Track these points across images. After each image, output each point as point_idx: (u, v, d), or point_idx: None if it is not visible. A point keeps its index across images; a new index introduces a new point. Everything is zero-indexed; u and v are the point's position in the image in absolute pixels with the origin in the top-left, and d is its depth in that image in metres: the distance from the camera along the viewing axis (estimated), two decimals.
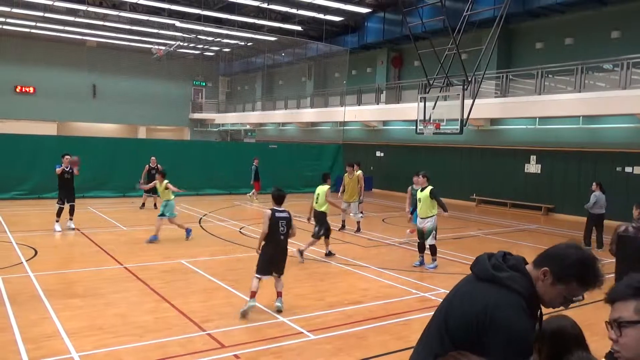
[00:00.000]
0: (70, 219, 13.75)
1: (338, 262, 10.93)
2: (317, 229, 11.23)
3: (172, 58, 37.91)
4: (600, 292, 2.10)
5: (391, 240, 13.69)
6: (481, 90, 19.39)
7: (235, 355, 5.86)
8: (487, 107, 20.28)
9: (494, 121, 22.31)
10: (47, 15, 28.78)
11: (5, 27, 32.74)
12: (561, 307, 2.38)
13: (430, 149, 24.13)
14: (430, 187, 10.69)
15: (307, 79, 35.42)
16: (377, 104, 27.09)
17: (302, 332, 6.67)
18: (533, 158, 20.73)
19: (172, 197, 12.85)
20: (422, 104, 19.37)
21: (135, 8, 27.61)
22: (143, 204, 18.23)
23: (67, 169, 13.62)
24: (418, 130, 19.60)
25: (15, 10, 27.92)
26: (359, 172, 15.14)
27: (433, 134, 19.08)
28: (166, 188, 12.68)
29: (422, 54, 19.55)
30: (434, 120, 19.01)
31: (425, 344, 2.53)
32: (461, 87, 18.20)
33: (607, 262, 11.46)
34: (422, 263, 10.84)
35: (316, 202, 11.35)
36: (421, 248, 10.88)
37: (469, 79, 18.25)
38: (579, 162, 19.07)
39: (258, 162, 21.76)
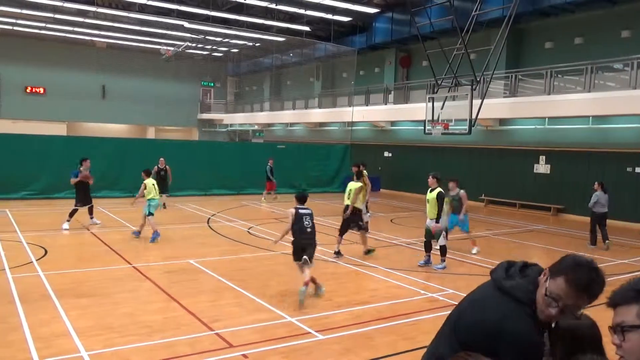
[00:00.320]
0: (92, 217, 14.22)
1: (346, 262, 10.92)
2: (360, 223, 11.49)
3: (181, 59, 38.07)
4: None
5: (399, 240, 13.66)
6: (490, 90, 19.29)
7: (244, 355, 5.87)
8: (496, 107, 20.19)
9: (502, 121, 22.21)
10: (57, 16, 29.00)
11: (15, 28, 33.00)
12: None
13: (439, 149, 24.06)
14: (438, 190, 10.65)
15: (315, 79, 35.43)
16: (385, 104, 27.05)
17: (310, 332, 6.66)
18: (542, 158, 20.61)
19: (157, 196, 12.92)
20: (430, 104, 19.31)
21: (144, 9, 27.74)
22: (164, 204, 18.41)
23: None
24: (426, 131, 19.55)
25: (25, 11, 28.16)
26: (364, 172, 15.00)
27: (441, 134, 19.02)
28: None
29: (431, 54, 19.49)
30: (443, 121, 18.94)
31: (437, 345, 2.55)
32: (470, 87, 18.12)
33: (616, 263, 11.39)
34: (427, 262, 10.82)
35: (347, 199, 11.55)
36: (427, 247, 10.86)
37: (478, 79, 18.17)
38: (588, 163, 18.93)
39: (273, 163, 21.80)
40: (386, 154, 28.02)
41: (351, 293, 8.62)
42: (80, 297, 7.83)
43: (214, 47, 37.86)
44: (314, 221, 8.57)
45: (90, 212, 14.29)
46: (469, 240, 12.47)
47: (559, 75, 19.35)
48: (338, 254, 11.40)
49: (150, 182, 13.00)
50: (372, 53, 29.94)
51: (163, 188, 18.25)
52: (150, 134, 41.58)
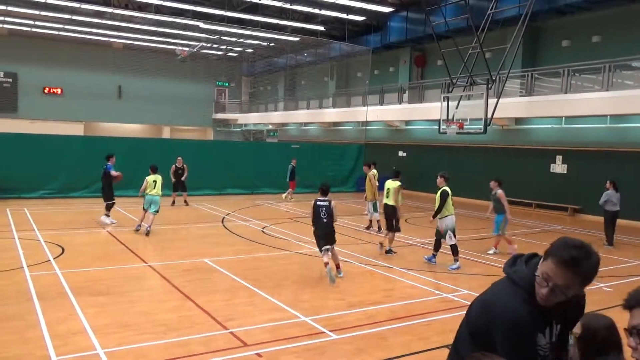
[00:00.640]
0: (107, 215, 14.56)
1: (360, 262, 10.90)
2: (394, 223, 11.64)
3: (196, 59, 38.30)
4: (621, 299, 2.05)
5: (413, 240, 13.60)
6: (506, 89, 19.14)
7: (257, 354, 5.88)
8: (511, 106, 20.01)
9: (518, 120, 22.01)
10: (74, 17, 29.34)
11: (33, 29, 33.47)
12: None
13: (454, 149, 23.92)
14: (443, 189, 10.66)
15: (330, 78, 35.41)
16: (400, 103, 26.95)
17: (323, 332, 6.66)
18: (559, 158, 20.38)
19: (154, 192, 13.40)
20: (445, 104, 19.21)
21: (160, 10, 27.96)
22: (173, 202, 18.80)
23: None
24: (441, 130, 19.45)
25: (43, 13, 28.53)
26: (372, 171, 15.10)
27: (456, 133, 18.91)
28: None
29: (446, 53, 19.38)
30: (457, 120, 18.83)
31: (457, 344, 2.60)
32: (485, 86, 17.99)
33: (634, 264, 11.23)
34: (430, 259, 10.85)
35: (387, 197, 11.75)
36: (436, 246, 10.89)
37: (493, 78, 18.03)
38: (606, 162, 18.67)
39: (296, 162, 21.91)
40: (400, 153, 27.91)
41: (365, 293, 8.61)
42: (97, 295, 7.91)
43: (229, 47, 38.03)
44: (332, 210, 9.37)
45: (108, 208, 14.58)
46: (493, 240, 12.39)
47: (576, 74, 19.11)
48: (390, 251, 11.59)
49: (150, 178, 13.43)
50: (386, 52, 29.85)
51: (181, 186, 18.66)
52: (166, 133, 41.89)
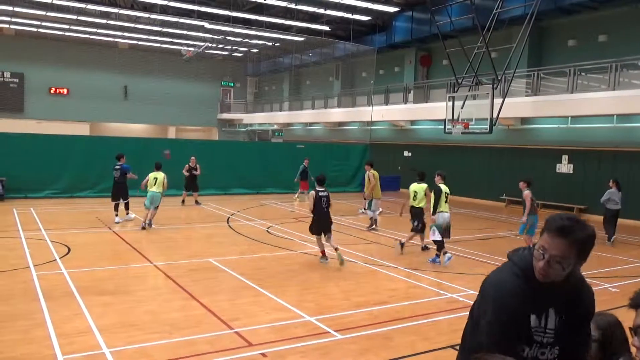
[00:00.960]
0: (117, 214, 14.91)
1: (365, 262, 10.90)
2: (415, 223, 11.83)
3: (201, 59, 38.38)
4: (625, 298, 2.05)
5: (418, 240, 13.56)
6: (511, 88, 19.07)
7: (262, 354, 5.89)
8: (517, 105, 19.94)
9: (524, 120, 21.94)
10: (80, 18, 29.46)
11: (40, 30, 33.63)
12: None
13: (459, 149, 23.86)
14: (437, 186, 11.02)
15: (335, 78, 35.40)
16: (405, 103, 26.91)
17: (328, 332, 6.66)
18: (565, 158, 20.30)
19: (154, 189, 14.07)
20: (450, 103, 19.17)
21: (165, 10, 28.04)
22: (183, 201, 19.01)
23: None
24: (446, 130, 19.41)
25: (49, 13, 28.66)
26: (369, 171, 15.48)
27: (462, 133, 18.86)
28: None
29: (451, 52, 19.33)
30: (463, 120, 18.78)
31: (462, 338, 2.64)
32: (491, 85, 17.94)
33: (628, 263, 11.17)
34: (434, 260, 10.92)
35: (414, 199, 11.90)
36: (439, 246, 10.96)
37: (499, 78, 17.98)
38: (612, 162, 18.59)
39: (308, 163, 21.94)
40: (406, 153, 27.88)
41: (370, 293, 8.60)
42: (103, 294, 7.94)
43: (234, 48, 38.09)
44: (330, 200, 10.39)
45: (117, 208, 14.87)
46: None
47: (582, 74, 19.02)
48: (425, 248, 11.95)
49: (152, 175, 14.14)
50: (392, 52, 29.81)
51: (194, 186, 18.77)
52: (171, 133, 42.00)
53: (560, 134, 20.61)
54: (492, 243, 13.42)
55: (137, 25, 31.63)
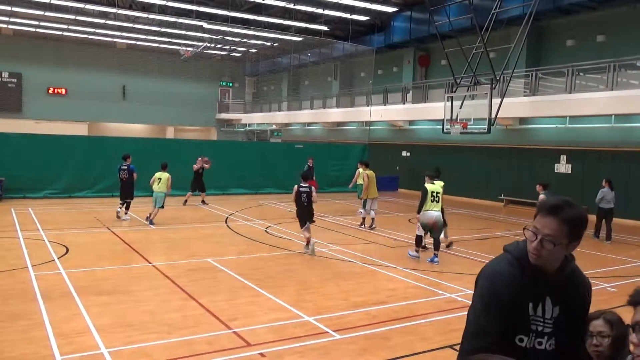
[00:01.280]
0: (126, 212, 15.39)
1: (364, 262, 10.90)
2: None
3: (200, 59, 38.36)
4: (625, 297, 2.06)
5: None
6: (510, 88, 19.10)
7: (261, 354, 5.89)
8: (515, 106, 19.96)
9: (522, 120, 21.96)
10: (78, 18, 29.43)
11: (38, 30, 33.60)
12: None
13: (457, 149, 23.88)
14: (423, 186, 11.30)
15: (333, 78, 35.41)
16: (404, 103, 26.92)
17: (327, 332, 6.67)
18: (563, 158, 20.32)
19: (158, 189, 14.56)
20: (449, 103, 19.18)
21: (164, 10, 28.03)
22: (185, 201, 19.02)
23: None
24: (445, 130, 19.42)
25: (48, 13, 28.63)
26: (365, 171, 15.86)
27: (460, 133, 18.88)
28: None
29: (450, 52, 19.35)
30: (461, 120, 18.80)
31: (463, 335, 2.60)
32: (489, 85, 17.96)
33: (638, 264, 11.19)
34: (433, 260, 10.99)
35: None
36: (435, 245, 11.12)
37: (497, 78, 17.99)
38: (611, 162, 18.61)
39: (313, 162, 22.02)
40: (404, 153, 27.89)
41: (368, 293, 8.60)
42: (101, 294, 7.94)
43: (233, 48, 38.06)
44: (313, 195, 11.42)
45: (128, 207, 15.33)
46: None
47: (581, 74, 19.05)
48: (450, 245, 12.40)
49: (157, 175, 14.61)
50: (390, 52, 29.82)
51: (200, 186, 18.99)
52: (170, 133, 41.99)
53: (558, 134, 20.63)
54: (491, 243, 13.44)
55: (136, 25, 31.60)
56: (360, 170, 16.87)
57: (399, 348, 6.27)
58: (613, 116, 18.41)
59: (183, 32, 32.39)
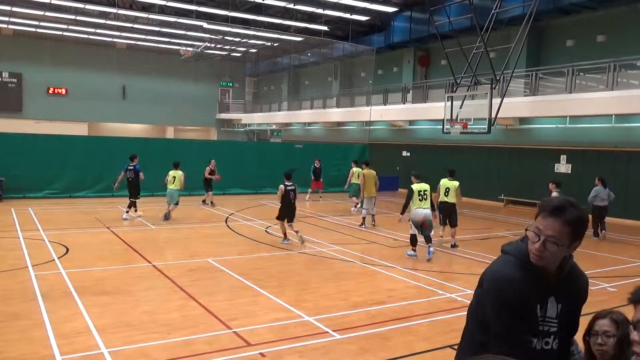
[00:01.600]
0: (135, 210, 15.69)
1: (364, 262, 10.90)
2: (454, 218, 12.59)
3: (200, 59, 38.34)
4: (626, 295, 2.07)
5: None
6: (510, 88, 19.09)
7: (261, 354, 5.89)
8: (516, 105, 19.96)
9: (522, 120, 21.95)
10: (78, 18, 29.42)
11: (38, 30, 33.59)
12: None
13: (457, 149, 23.87)
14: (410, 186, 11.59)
15: (333, 78, 35.41)
16: (404, 103, 26.92)
17: (327, 332, 6.67)
18: (563, 158, 20.32)
19: (171, 186, 15.22)
20: (449, 103, 19.18)
21: (164, 10, 28.02)
22: (204, 201, 19.15)
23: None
24: (445, 130, 19.42)
25: (48, 13, 28.63)
26: (365, 170, 16.18)
27: (460, 133, 18.88)
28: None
29: (450, 52, 19.35)
30: (461, 120, 18.80)
31: (463, 335, 2.64)
32: (489, 85, 17.96)
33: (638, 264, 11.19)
34: (428, 253, 11.17)
35: (445, 195, 12.51)
36: (426, 239, 11.33)
37: (497, 78, 18.00)
38: (611, 162, 18.60)
39: (320, 163, 22.29)
40: (404, 153, 27.89)
41: (368, 293, 8.61)
42: (101, 294, 7.94)
43: (233, 47, 38.06)
44: (296, 193, 12.28)
45: (135, 205, 15.57)
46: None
47: (581, 74, 19.04)
48: (454, 246, 12.53)
49: (171, 173, 15.26)
50: (390, 52, 29.82)
51: (210, 187, 19.09)
52: (170, 133, 41.98)
53: (558, 133, 20.63)
54: (491, 243, 13.44)
55: (136, 25, 31.60)
56: (354, 169, 17.57)
57: (399, 348, 6.27)
58: (613, 116, 18.40)
59: (183, 32, 32.39)
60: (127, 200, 15.77)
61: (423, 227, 11.20)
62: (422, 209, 11.19)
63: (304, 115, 35.10)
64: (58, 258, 10.21)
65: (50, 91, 37.40)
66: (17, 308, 7.19)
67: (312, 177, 22.26)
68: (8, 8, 27.75)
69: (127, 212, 15.35)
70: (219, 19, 28.33)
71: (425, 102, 25.35)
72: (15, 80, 36.07)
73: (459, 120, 18.79)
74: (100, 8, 27.71)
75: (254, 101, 44.89)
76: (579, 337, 2.58)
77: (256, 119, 41.58)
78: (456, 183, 12.55)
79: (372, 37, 29.62)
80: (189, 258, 10.67)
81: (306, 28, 30.09)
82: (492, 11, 17.97)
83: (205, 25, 29.68)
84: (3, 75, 35.72)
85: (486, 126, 17.87)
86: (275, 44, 35.97)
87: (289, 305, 7.66)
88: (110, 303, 7.55)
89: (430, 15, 20.32)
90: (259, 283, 8.82)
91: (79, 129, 33.50)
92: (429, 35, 24.94)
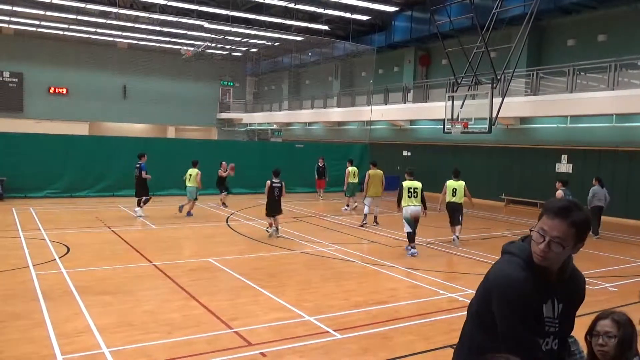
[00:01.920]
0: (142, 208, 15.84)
1: (365, 262, 10.90)
2: (455, 217, 12.89)
3: (201, 59, 38.36)
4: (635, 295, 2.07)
5: (418, 240, 13.55)
6: (511, 88, 19.08)
7: (262, 353, 5.89)
8: (516, 105, 19.95)
9: (523, 120, 21.93)
10: (79, 17, 29.44)
11: (39, 29, 33.61)
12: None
13: (458, 148, 23.87)
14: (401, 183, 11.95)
15: (334, 78, 35.40)
16: (404, 103, 26.91)
17: (328, 331, 6.67)
18: (564, 157, 20.30)
19: (189, 183, 15.98)
20: (449, 103, 19.17)
21: (165, 10, 28.03)
22: (223, 203, 19.14)
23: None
24: (446, 130, 19.41)
25: (49, 13, 28.65)
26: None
27: (461, 133, 18.87)
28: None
29: (450, 52, 19.33)
30: (462, 119, 18.79)
31: (462, 335, 2.64)
32: (490, 85, 17.94)
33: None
34: (407, 249, 11.64)
35: (453, 195, 12.80)
36: (408, 237, 11.72)
37: (498, 77, 17.98)
38: (612, 162, 18.59)
39: (323, 161, 22.50)
40: (405, 153, 27.88)
41: (369, 292, 8.60)
42: (102, 294, 7.94)
43: (234, 47, 38.07)
44: (283, 190, 13.03)
45: (144, 203, 15.68)
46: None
47: (582, 73, 19.02)
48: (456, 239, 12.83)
49: (189, 171, 16.09)
50: (391, 52, 29.80)
51: (225, 187, 19.14)
52: (170, 133, 42.00)
53: (559, 133, 20.61)
54: (492, 242, 13.44)
55: (137, 25, 31.61)
56: (350, 168, 18.15)
57: (400, 348, 6.27)
58: (614, 116, 18.38)
59: (184, 31, 32.41)
60: (126, 200, 15.85)
61: (414, 222, 11.58)
62: (411, 206, 11.56)
63: (305, 114, 35.09)
64: (59, 258, 10.22)
65: (51, 91, 37.42)
66: (18, 308, 7.19)
67: (316, 177, 22.38)
68: (9, 7, 27.77)
69: (140, 208, 15.58)
70: (219, 18, 28.34)
71: (426, 102, 25.34)
72: (16, 79, 36.10)
73: (459, 120, 18.78)
74: (101, 8, 27.71)
75: (254, 101, 44.89)
76: (580, 337, 2.58)
77: (257, 118, 41.58)
78: (462, 183, 12.85)
79: (373, 37, 29.60)
80: (190, 258, 10.67)
81: (307, 27, 30.08)
82: (493, 11, 17.96)
83: (206, 24, 29.69)
84: (4, 75, 35.75)
85: (487, 126, 17.86)
86: (276, 44, 35.97)
87: (290, 305, 7.66)
88: (111, 303, 7.55)
89: (431, 14, 20.32)
90: (259, 283, 8.82)
91: (80, 129, 33.53)
92: (430, 35, 24.92)
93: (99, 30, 33.35)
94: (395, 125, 28.77)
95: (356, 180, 19.04)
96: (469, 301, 2.61)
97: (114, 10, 27.35)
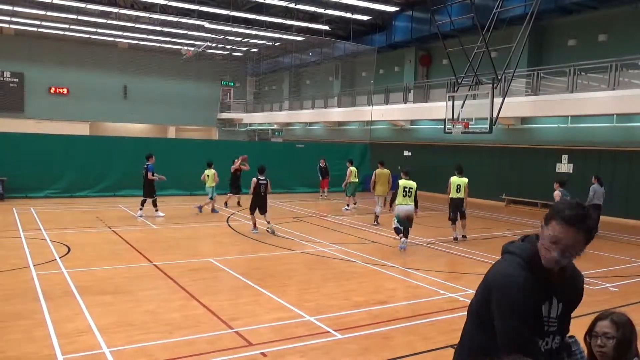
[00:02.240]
0: (157, 210, 15.97)
1: (365, 262, 10.90)
2: (453, 214, 13.25)
3: (201, 59, 38.38)
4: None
5: (419, 240, 13.57)
6: (511, 88, 19.07)
7: (262, 353, 5.89)
8: (517, 105, 19.94)
9: (524, 120, 21.93)
10: (80, 17, 29.47)
11: (40, 30, 33.63)
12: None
13: (459, 148, 23.86)
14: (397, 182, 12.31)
15: (334, 78, 35.40)
16: (405, 103, 26.91)
17: (328, 332, 6.67)
18: (565, 157, 20.29)
19: (209, 183, 16.79)
20: (450, 103, 19.17)
21: (165, 10, 28.05)
22: (238, 202, 19.05)
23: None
24: (446, 130, 19.40)
25: (49, 13, 28.67)
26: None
27: (462, 133, 18.87)
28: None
29: (451, 52, 19.33)
30: (463, 119, 18.79)
31: (462, 335, 2.64)
32: (491, 85, 17.94)
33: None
34: (401, 246, 11.89)
35: (457, 191, 13.16)
36: (404, 233, 12.01)
37: (499, 77, 17.98)
38: (613, 162, 18.58)
39: (325, 162, 22.54)
40: (406, 153, 27.87)
41: (370, 292, 8.60)
42: (103, 294, 7.95)
43: (234, 47, 38.09)
44: (268, 187, 13.39)
45: (155, 204, 15.82)
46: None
47: (582, 73, 19.02)
48: (457, 239, 13.15)
49: (205, 172, 16.88)
50: (391, 52, 29.80)
51: (237, 188, 18.83)
52: (171, 133, 42.02)
53: (560, 133, 20.60)
54: (492, 243, 13.43)
55: (137, 25, 31.63)
56: (351, 168, 18.59)
57: (401, 348, 6.27)
58: (615, 116, 18.37)
59: (184, 31, 32.42)
60: (127, 200, 15.85)
61: (405, 221, 11.88)
62: (404, 205, 11.85)
63: (305, 114, 35.10)
64: (60, 258, 10.23)
65: (52, 91, 37.45)
66: (18, 308, 7.20)
67: (320, 177, 22.49)
68: (10, 8, 27.79)
69: (156, 210, 15.74)
70: (220, 18, 28.35)
71: (426, 102, 25.34)
72: (16, 80, 36.13)
73: (460, 120, 18.78)
74: (101, 8, 27.74)
75: (255, 101, 44.90)
76: (580, 337, 2.58)
77: (257, 118, 41.58)
78: (466, 180, 13.23)
79: (374, 37, 29.60)
80: (191, 258, 10.67)
81: (307, 28, 30.09)
82: (494, 11, 17.96)
83: (206, 24, 29.71)
84: (5, 75, 35.78)
85: (487, 126, 17.86)
86: (276, 44, 35.98)
87: (291, 305, 7.66)
88: (112, 303, 7.55)
89: (431, 14, 20.31)
90: (260, 283, 8.82)
91: (81, 129, 33.57)
92: (431, 35, 24.91)
93: (99, 30, 33.36)
94: (395, 125, 28.77)
95: (356, 180, 19.06)
96: (470, 301, 2.61)
97: (115, 10, 27.38)
